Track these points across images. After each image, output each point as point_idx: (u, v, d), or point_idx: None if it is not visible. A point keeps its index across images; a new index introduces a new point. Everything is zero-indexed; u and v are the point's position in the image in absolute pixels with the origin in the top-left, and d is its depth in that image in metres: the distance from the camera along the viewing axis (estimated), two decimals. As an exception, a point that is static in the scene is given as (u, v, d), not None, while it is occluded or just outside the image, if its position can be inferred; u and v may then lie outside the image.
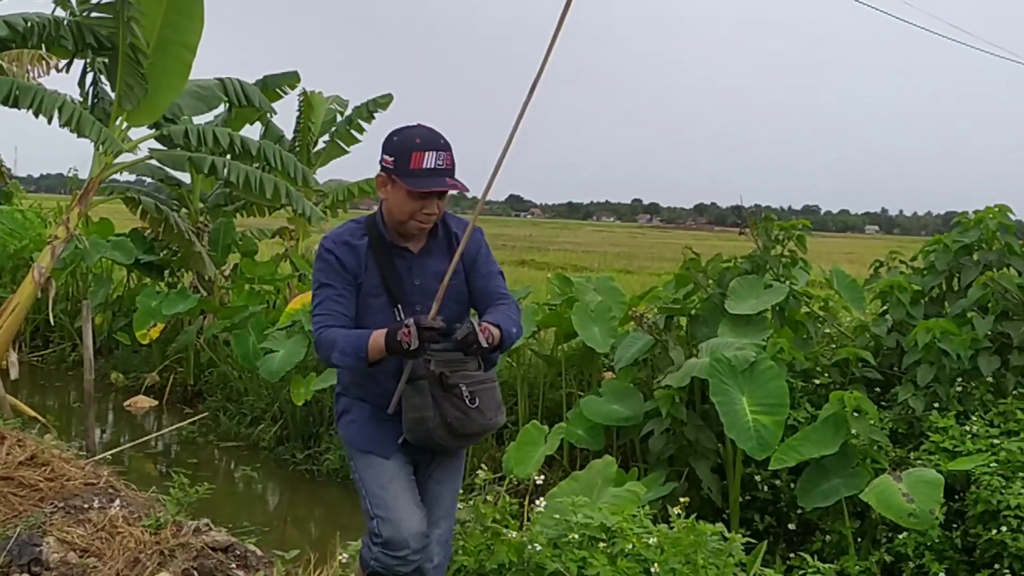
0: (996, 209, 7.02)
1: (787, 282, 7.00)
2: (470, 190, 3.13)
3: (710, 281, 7.12)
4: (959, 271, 6.95)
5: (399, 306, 3.17)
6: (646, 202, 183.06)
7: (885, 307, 7.09)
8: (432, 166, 3.02)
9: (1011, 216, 7.05)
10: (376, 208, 3.31)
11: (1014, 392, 6.12)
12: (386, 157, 3.08)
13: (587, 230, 77.78)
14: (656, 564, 3.38)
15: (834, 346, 7.15)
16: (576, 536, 3.59)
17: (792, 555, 5.45)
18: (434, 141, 3.06)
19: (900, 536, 5.22)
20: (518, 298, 8.75)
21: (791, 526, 6.03)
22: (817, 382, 6.62)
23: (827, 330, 7.36)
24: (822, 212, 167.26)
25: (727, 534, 3.65)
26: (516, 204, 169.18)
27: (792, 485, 5.86)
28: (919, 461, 5.65)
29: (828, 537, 5.66)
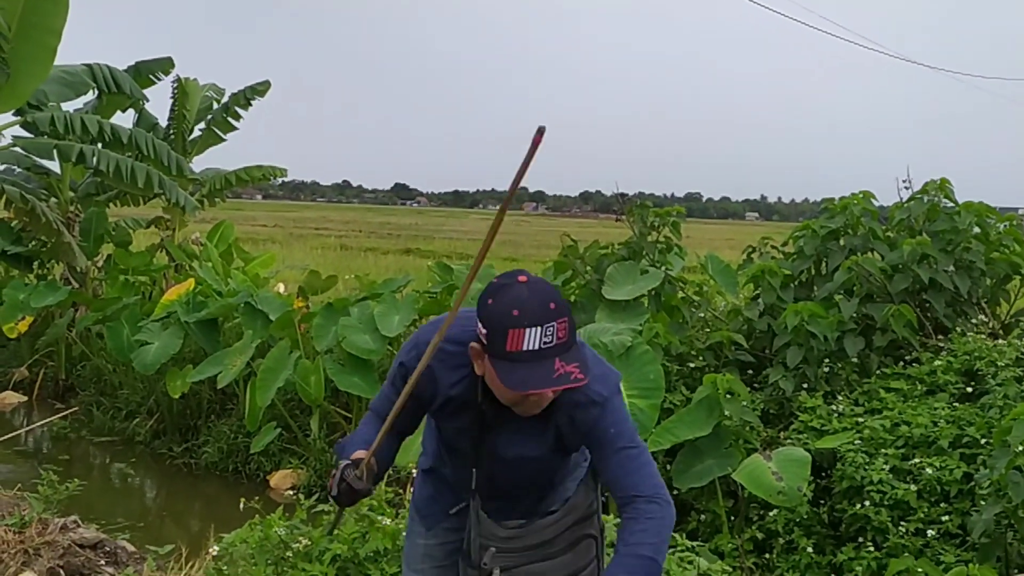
0: (860, 196, 7.26)
1: (663, 268, 7.12)
2: (585, 379, 2.26)
3: (588, 268, 7.20)
4: (826, 256, 7.17)
5: (476, 466, 2.55)
6: (532, 190, 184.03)
7: (757, 291, 7.27)
8: (535, 347, 2.22)
9: (874, 202, 7.31)
10: None
11: (877, 372, 6.34)
12: (479, 326, 2.29)
13: (473, 218, 77.81)
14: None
15: (709, 330, 7.30)
16: (450, 522, 3.58)
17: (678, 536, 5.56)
18: (539, 311, 2.24)
19: (771, 513, 5.37)
20: (396, 286, 8.77)
21: (667, 507, 6.13)
22: (692, 365, 6.76)
23: (702, 314, 7.51)
24: (704, 199, 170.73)
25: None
26: (402, 192, 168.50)
27: (668, 467, 5.97)
28: (789, 440, 5.82)
29: (703, 516, 5.79)
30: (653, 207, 7.44)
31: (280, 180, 15.44)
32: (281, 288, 11.52)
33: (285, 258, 18.94)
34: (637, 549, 2.28)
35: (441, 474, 2.75)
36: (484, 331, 2.27)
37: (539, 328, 2.23)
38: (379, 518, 3.81)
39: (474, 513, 2.55)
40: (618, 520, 2.48)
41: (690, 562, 3.70)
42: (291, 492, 6.67)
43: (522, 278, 2.30)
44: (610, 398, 2.44)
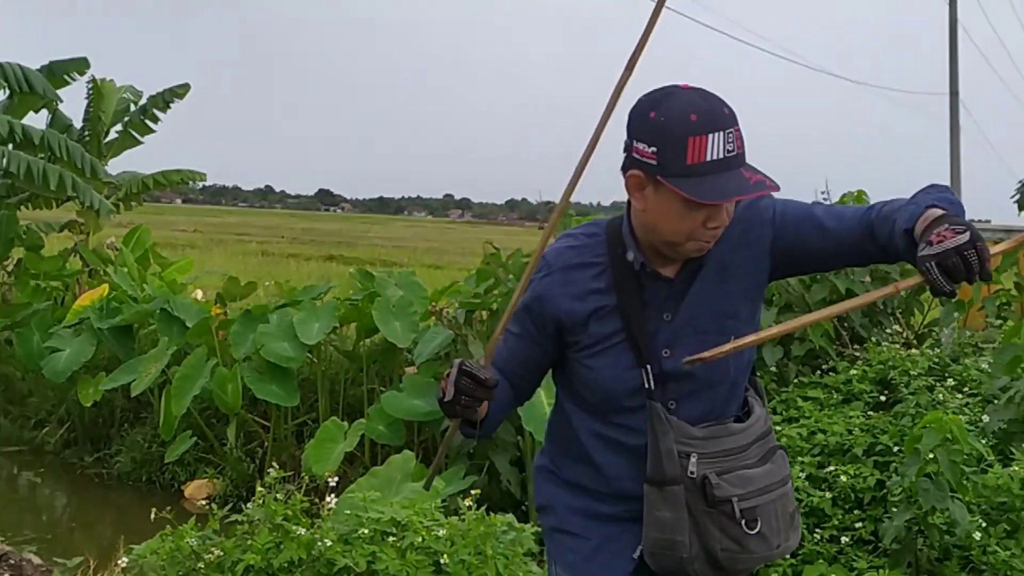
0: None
1: (585, 276, 7.13)
2: (777, 186, 1.99)
3: (510, 276, 7.18)
4: (746, 265, 7.24)
5: (646, 363, 2.09)
6: (458, 197, 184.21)
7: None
8: (719, 155, 1.92)
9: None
10: (622, 215, 2.17)
11: (795, 381, 6.42)
12: (641, 146, 1.96)
13: (398, 225, 77.63)
14: (445, 556, 3.37)
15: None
16: (367, 531, 3.54)
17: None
18: (716, 114, 1.94)
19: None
20: (317, 293, 8.67)
21: (587, 515, 6.15)
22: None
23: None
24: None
25: (516, 524, 3.68)
26: (326, 198, 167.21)
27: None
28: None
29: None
30: (576, 215, 7.44)
31: (200, 184, 15.24)
32: (199, 295, 11.31)
33: (204, 264, 18.63)
34: (908, 201, 1.99)
35: (584, 477, 2.21)
36: (652, 149, 1.94)
37: (720, 134, 1.93)
38: (294, 527, 3.75)
39: (659, 419, 2.07)
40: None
41: None
42: (205, 502, 6.53)
43: (684, 85, 2.01)
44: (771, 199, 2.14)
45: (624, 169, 2.03)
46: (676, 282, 2.11)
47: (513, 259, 7.26)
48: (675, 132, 1.92)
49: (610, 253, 2.13)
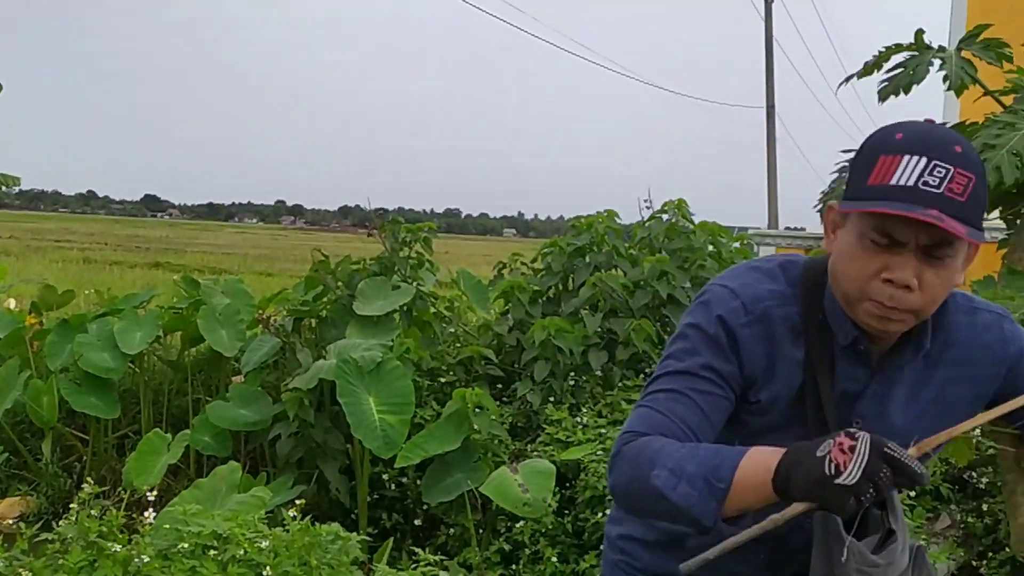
0: (605, 214, 7.55)
1: (415, 283, 7.14)
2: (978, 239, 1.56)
3: (339, 283, 7.13)
4: (573, 272, 7.40)
5: None
6: (290, 203, 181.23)
7: (507, 307, 7.41)
8: (909, 182, 1.52)
9: (618, 220, 7.61)
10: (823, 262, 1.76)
11: (620, 384, 6.59)
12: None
13: (228, 232, 75.79)
14: (268, 568, 3.32)
15: (460, 345, 7.38)
16: (187, 545, 3.46)
17: (419, 550, 5.58)
18: (931, 142, 1.55)
19: (518, 525, 5.46)
20: (139, 301, 8.39)
21: (417, 522, 6.16)
22: (443, 380, 6.81)
23: (452, 329, 7.59)
24: (463, 215, 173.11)
25: (343, 533, 3.66)
26: (152, 204, 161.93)
27: (418, 482, 5.98)
28: (535, 453, 5.95)
29: (452, 530, 5.83)
30: (406, 223, 7.45)
31: (16, 189, 14.50)
32: (12, 304, 10.78)
33: (20, 271, 17.77)
34: None
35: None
36: (848, 174, 1.64)
37: (923, 159, 1.53)
38: (109, 545, 3.62)
39: (837, 537, 1.56)
40: None
41: (434, 577, 3.72)
42: (12, 522, 6.26)
43: (930, 119, 1.67)
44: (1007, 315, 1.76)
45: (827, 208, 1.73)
46: (875, 383, 1.74)
47: (342, 266, 7.21)
48: (872, 149, 1.60)
49: (805, 312, 1.72)
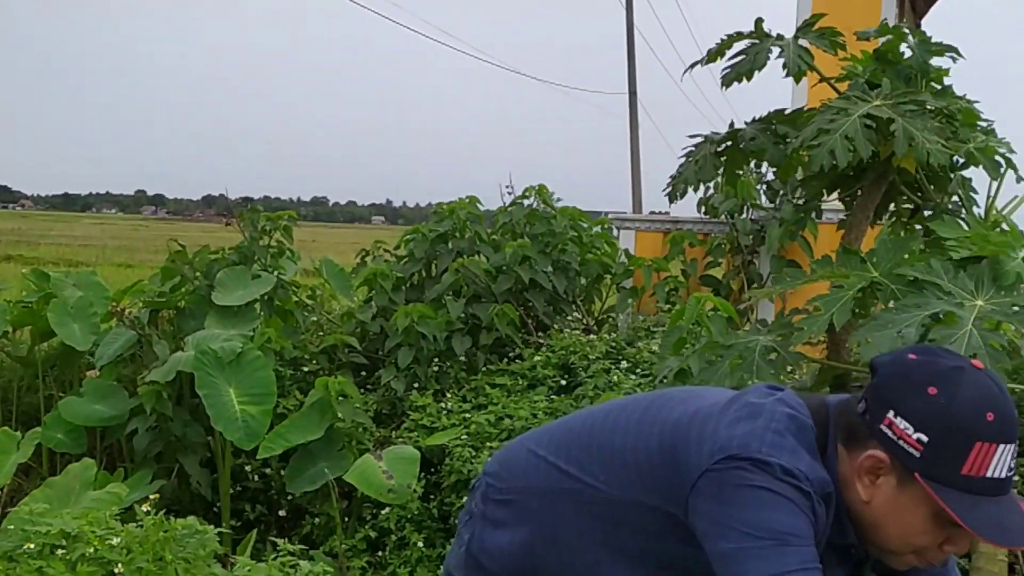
0: (467, 200, 7.58)
1: (275, 272, 7.05)
2: None
3: (197, 273, 6.99)
4: (435, 258, 7.42)
5: None
6: (151, 193, 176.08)
7: (370, 294, 7.39)
8: (1000, 474, 1.50)
9: (480, 207, 7.65)
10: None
11: (484, 369, 6.65)
12: (903, 426, 1.54)
13: (86, 223, 73.21)
14: (120, 565, 3.25)
15: (323, 333, 7.32)
16: (33, 546, 3.35)
17: (280, 541, 5.53)
18: (1012, 420, 1.53)
19: (383, 511, 5.47)
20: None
21: (282, 513, 6.11)
22: (306, 369, 6.75)
23: (315, 318, 7.53)
24: (331, 203, 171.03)
25: (200, 527, 3.60)
26: (3, 195, 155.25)
27: (282, 472, 5.92)
28: (400, 439, 5.96)
29: (317, 519, 5.81)
30: (267, 211, 7.34)
31: None
32: None
33: None
34: None
35: None
36: (920, 436, 1.51)
37: (1011, 448, 1.51)
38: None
39: None
40: None
41: (293, 566, 3.69)
42: None
43: (976, 363, 1.56)
44: None
45: (855, 438, 1.61)
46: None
47: (200, 256, 7.07)
48: (963, 429, 1.50)
49: (814, 505, 1.61)
